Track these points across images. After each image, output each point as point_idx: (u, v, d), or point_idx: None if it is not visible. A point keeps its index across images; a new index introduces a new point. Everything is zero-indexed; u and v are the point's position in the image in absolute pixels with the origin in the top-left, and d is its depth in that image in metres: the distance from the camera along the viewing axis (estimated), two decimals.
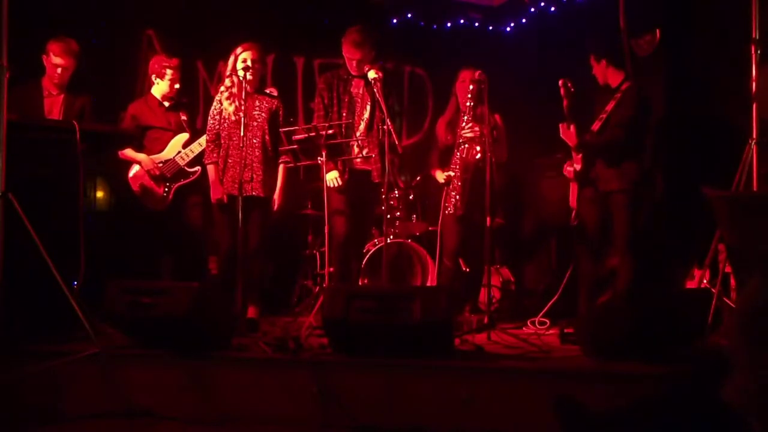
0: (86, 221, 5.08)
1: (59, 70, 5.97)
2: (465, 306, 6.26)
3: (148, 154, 6.26)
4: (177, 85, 6.35)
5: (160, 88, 6.34)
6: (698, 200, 5.00)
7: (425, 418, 4.11)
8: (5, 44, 4.48)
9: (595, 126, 5.83)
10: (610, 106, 5.81)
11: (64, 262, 4.65)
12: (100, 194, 7.30)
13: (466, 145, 6.07)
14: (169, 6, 7.51)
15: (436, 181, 6.36)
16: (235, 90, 5.71)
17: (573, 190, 5.98)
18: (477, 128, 5.98)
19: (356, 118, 5.92)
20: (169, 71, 6.30)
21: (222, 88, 5.84)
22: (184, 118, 6.40)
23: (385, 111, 5.59)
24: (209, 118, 5.88)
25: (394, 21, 8.52)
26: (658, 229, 6.72)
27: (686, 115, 5.74)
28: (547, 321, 5.85)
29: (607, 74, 5.89)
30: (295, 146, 5.53)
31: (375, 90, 5.66)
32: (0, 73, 4.49)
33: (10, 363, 4.37)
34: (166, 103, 6.37)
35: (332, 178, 5.85)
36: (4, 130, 4.49)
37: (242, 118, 5.47)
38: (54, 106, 6.04)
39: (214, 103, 5.87)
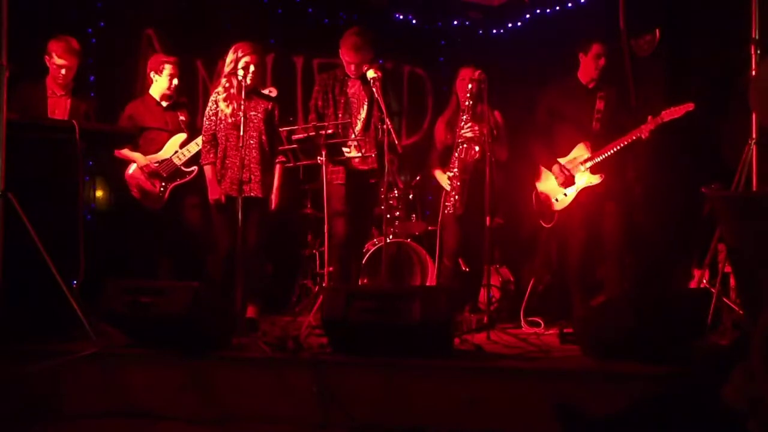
0: (85, 221, 5.09)
1: (63, 70, 5.96)
2: (465, 306, 6.26)
3: (145, 154, 6.25)
4: (175, 81, 6.33)
5: (158, 85, 6.33)
6: (698, 200, 5.03)
7: (425, 417, 4.10)
8: (5, 43, 4.48)
9: (595, 126, 5.89)
10: (600, 105, 5.90)
11: (64, 262, 4.66)
12: (99, 194, 7.31)
13: (465, 145, 6.06)
14: (168, 6, 7.51)
15: (436, 180, 6.36)
16: (233, 91, 5.70)
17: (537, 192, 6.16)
18: (476, 128, 5.98)
19: (353, 118, 5.91)
20: (167, 66, 6.29)
21: (219, 89, 5.82)
22: (182, 118, 6.39)
23: (384, 110, 5.59)
24: (205, 118, 5.85)
25: (394, 20, 8.52)
26: (656, 229, 6.74)
27: (686, 116, 5.75)
28: (541, 321, 5.86)
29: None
30: (294, 146, 5.52)
31: (374, 89, 5.66)
32: (0, 72, 4.49)
33: (9, 362, 4.36)
34: (164, 103, 6.37)
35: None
36: (4, 130, 4.49)
37: (241, 119, 5.46)
38: (57, 107, 6.03)
39: (210, 104, 5.84)
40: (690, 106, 5.55)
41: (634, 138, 5.73)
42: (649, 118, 5.69)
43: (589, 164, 5.90)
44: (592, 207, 5.94)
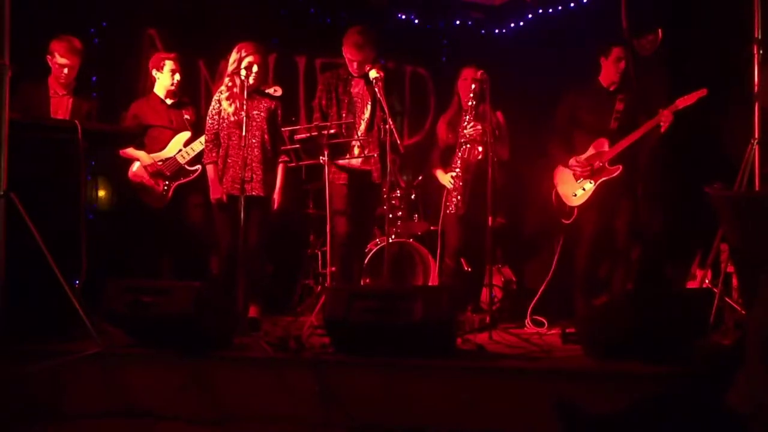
0: (88, 220, 5.08)
1: (66, 70, 5.96)
2: (467, 305, 6.26)
3: (149, 153, 6.26)
4: (177, 76, 6.33)
5: (161, 83, 6.34)
6: (700, 200, 5.02)
7: (426, 417, 4.11)
8: (7, 43, 4.48)
9: (614, 126, 5.91)
10: (620, 107, 5.91)
11: (66, 262, 4.66)
12: (101, 193, 7.31)
13: (468, 145, 6.06)
14: (171, 5, 7.51)
15: (438, 180, 6.36)
16: (236, 90, 5.70)
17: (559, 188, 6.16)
18: (479, 126, 5.98)
19: (356, 118, 5.91)
20: (167, 62, 6.30)
21: (222, 88, 5.83)
22: (187, 116, 6.40)
23: (386, 110, 5.59)
24: (208, 117, 5.86)
25: (396, 20, 8.51)
26: (660, 229, 6.74)
27: (688, 115, 5.76)
28: (545, 321, 5.86)
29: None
30: (297, 145, 5.52)
31: (376, 89, 5.66)
32: (2, 72, 4.49)
33: (11, 362, 4.37)
34: (169, 101, 6.37)
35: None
36: (6, 130, 4.49)
37: (244, 119, 5.46)
38: (60, 106, 6.03)
39: (213, 103, 5.85)
40: (703, 92, 5.55)
41: (650, 128, 5.74)
42: (660, 110, 5.70)
43: (607, 159, 5.91)
44: (609, 200, 5.95)
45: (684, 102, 5.63)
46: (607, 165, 5.92)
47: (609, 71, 6.05)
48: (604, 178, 5.93)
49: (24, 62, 4.92)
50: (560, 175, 6.19)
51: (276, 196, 5.89)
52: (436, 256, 6.58)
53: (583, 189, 6.00)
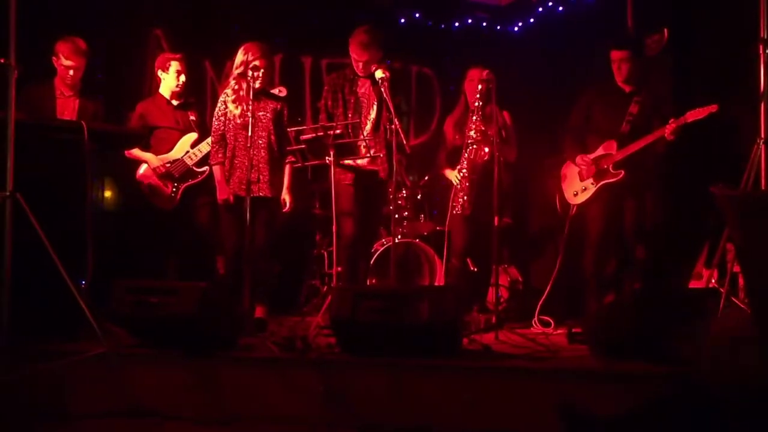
0: (94, 221, 5.09)
1: (71, 71, 5.96)
2: (473, 305, 6.26)
3: (156, 154, 6.26)
4: (183, 77, 6.33)
5: (167, 83, 6.34)
6: (706, 200, 5.02)
7: (432, 417, 4.10)
8: (13, 44, 4.49)
9: (625, 128, 5.90)
10: (634, 109, 5.92)
11: (72, 262, 4.66)
12: (108, 194, 7.31)
13: (475, 146, 6.07)
14: (177, 6, 7.52)
15: (446, 180, 6.36)
16: (242, 93, 5.69)
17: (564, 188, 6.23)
18: (482, 127, 5.98)
19: (362, 118, 5.91)
20: (173, 63, 6.30)
21: (228, 90, 5.82)
22: (192, 118, 6.40)
23: (392, 110, 5.59)
24: (214, 119, 5.86)
25: (402, 21, 8.52)
26: (665, 228, 6.73)
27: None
28: (551, 321, 5.86)
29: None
30: (303, 146, 5.53)
31: (382, 89, 5.66)
32: (8, 72, 4.49)
33: (17, 362, 4.36)
34: (175, 102, 6.38)
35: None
36: (12, 130, 4.49)
37: (249, 119, 5.46)
38: (66, 107, 6.04)
39: (219, 104, 5.85)
40: (714, 108, 5.53)
41: (657, 137, 5.74)
42: (672, 119, 5.69)
43: (613, 162, 5.91)
44: (613, 202, 5.97)
45: (694, 116, 5.60)
46: (611, 168, 5.92)
47: (616, 74, 6.07)
48: (606, 182, 5.94)
49: (29, 63, 4.92)
50: (568, 171, 6.21)
51: (288, 197, 5.90)
52: (442, 256, 6.58)
53: (585, 189, 6.02)
